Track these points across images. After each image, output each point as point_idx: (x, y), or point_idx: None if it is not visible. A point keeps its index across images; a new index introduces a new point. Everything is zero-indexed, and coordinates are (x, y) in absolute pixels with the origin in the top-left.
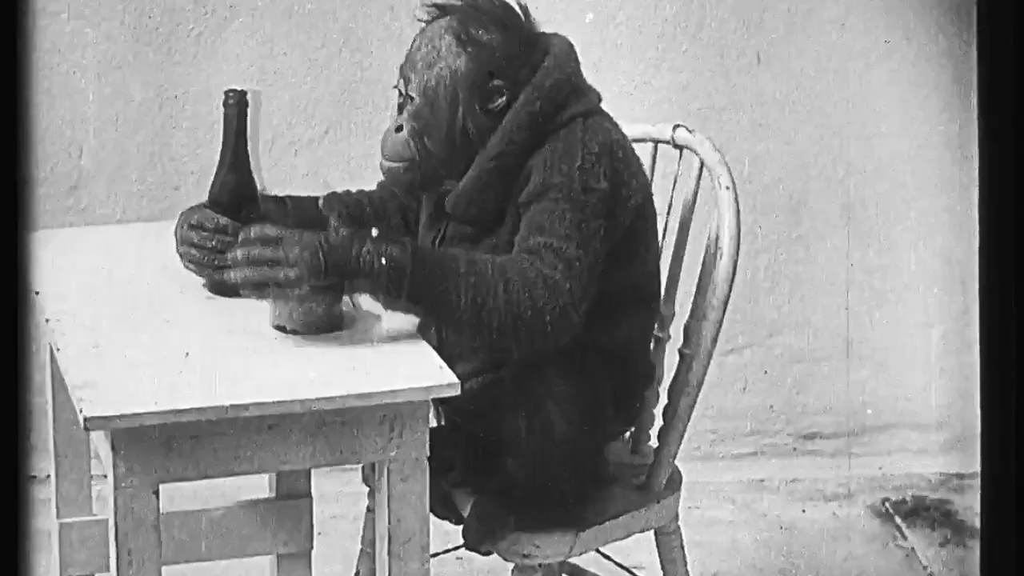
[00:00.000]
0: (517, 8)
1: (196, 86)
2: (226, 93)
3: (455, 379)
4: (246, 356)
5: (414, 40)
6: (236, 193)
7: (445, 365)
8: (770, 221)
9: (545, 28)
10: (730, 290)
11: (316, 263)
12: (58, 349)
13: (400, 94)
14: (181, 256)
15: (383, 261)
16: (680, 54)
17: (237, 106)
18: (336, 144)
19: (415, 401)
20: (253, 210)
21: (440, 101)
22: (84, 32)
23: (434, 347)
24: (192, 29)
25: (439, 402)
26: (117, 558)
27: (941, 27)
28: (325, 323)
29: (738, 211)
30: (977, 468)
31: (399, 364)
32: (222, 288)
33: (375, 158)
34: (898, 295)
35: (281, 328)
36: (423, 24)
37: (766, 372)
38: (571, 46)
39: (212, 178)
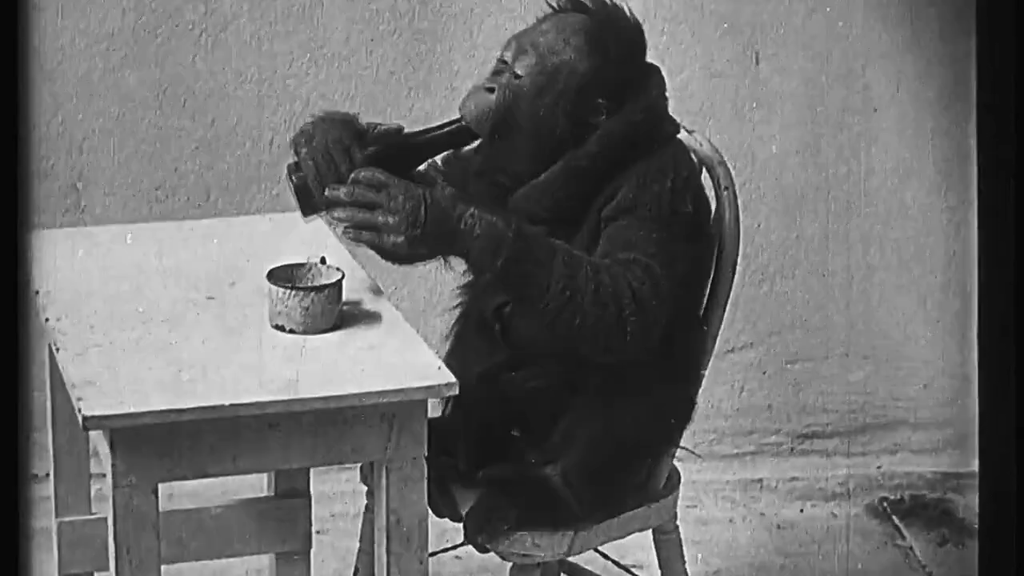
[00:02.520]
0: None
1: (197, 86)
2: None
3: (453, 379)
4: (245, 355)
5: (542, 20)
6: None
7: (444, 365)
8: (769, 221)
9: None
10: (730, 290)
11: (417, 214)
12: (57, 348)
13: (502, 60)
14: (302, 159)
15: (483, 229)
16: (680, 54)
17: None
18: None
19: (414, 400)
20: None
21: (546, 90)
22: (85, 31)
23: (498, 339)
24: (192, 29)
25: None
26: (116, 557)
27: (941, 27)
28: (324, 323)
29: (738, 211)
30: (975, 467)
31: (398, 364)
32: (314, 208)
33: None
34: (897, 295)
35: (280, 327)
36: (554, 10)
37: (765, 372)
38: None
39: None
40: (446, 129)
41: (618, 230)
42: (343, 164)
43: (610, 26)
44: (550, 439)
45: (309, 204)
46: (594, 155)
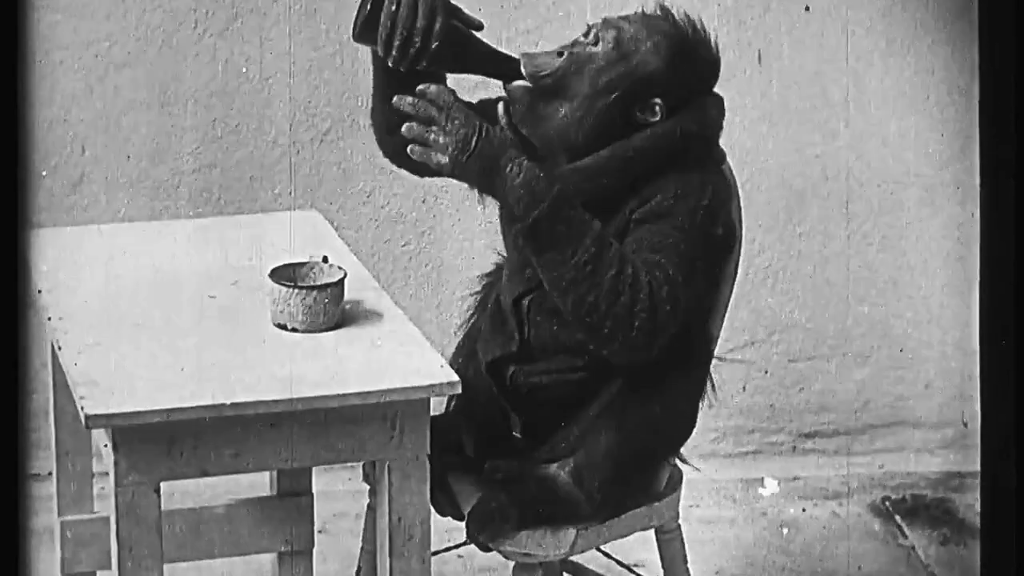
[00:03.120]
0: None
1: (198, 85)
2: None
3: (456, 377)
4: (247, 354)
5: (632, 14)
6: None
7: (446, 363)
8: (771, 220)
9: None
10: (732, 289)
11: (468, 142)
12: (60, 347)
13: (578, 39)
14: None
15: (525, 178)
16: None
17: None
18: (337, 143)
19: (416, 400)
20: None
21: (613, 66)
22: (86, 31)
23: (514, 336)
24: (194, 28)
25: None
26: (118, 556)
27: (942, 27)
28: (326, 321)
29: (741, 211)
30: (977, 467)
31: (400, 363)
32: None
33: (376, 158)
34: (898, 294)
35: (282, 326)
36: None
37: (766, 371)
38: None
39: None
40: (511, 61)
41: (649, 233)
42: (422, 20)
43: (693, 44)
44: (558, 437)
45: (368, 32)
46: (642, 150)
